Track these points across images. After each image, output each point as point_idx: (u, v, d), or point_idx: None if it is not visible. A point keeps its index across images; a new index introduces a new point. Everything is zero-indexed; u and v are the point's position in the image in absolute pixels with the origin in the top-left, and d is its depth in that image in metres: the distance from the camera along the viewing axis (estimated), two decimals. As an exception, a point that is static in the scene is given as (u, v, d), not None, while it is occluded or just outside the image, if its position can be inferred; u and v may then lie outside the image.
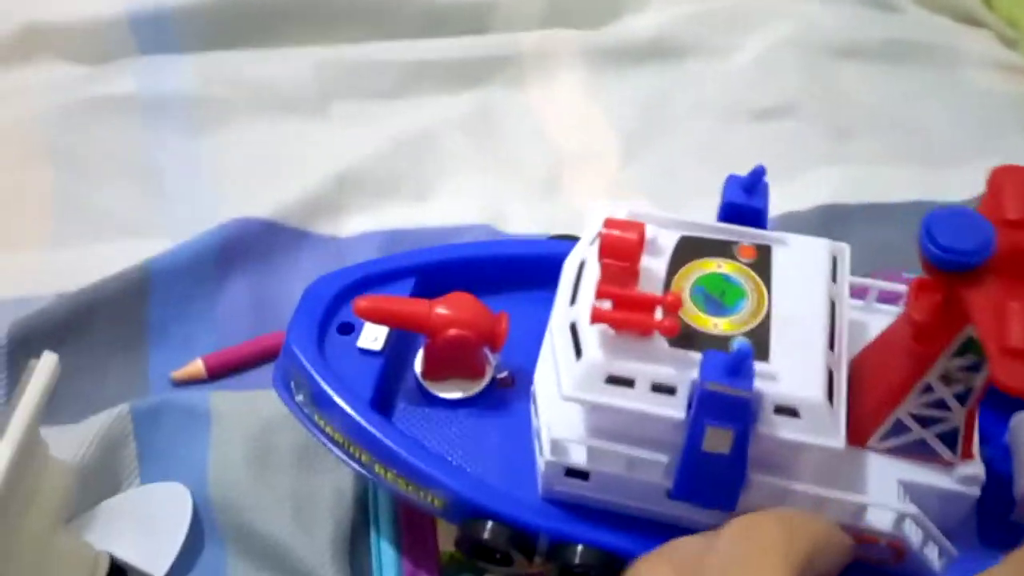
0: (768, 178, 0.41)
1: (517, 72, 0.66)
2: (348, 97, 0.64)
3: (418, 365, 0.44)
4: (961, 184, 0.59)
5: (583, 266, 0.39)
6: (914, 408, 0.37)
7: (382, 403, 0.42)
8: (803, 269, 0.38)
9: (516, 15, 0.68)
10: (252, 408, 0.47)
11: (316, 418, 0.42)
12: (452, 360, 0.43)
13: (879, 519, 0.37)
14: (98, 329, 0.51)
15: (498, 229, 0.57)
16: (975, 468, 0.37)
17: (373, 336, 0.43)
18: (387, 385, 0.43)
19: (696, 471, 0.36)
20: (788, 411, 0.35)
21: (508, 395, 0.43)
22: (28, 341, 0.49)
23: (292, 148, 0.61)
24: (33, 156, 0.59)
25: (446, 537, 0.43)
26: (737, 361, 0.33)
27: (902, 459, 0.38)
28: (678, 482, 0.37)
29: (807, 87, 0.66)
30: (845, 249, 0.39)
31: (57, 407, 0.47)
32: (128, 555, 0.43)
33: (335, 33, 0.66)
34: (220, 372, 0.51)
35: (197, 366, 0.50)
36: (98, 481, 0.45)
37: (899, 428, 0.37)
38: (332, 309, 0.44)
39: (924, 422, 0.37)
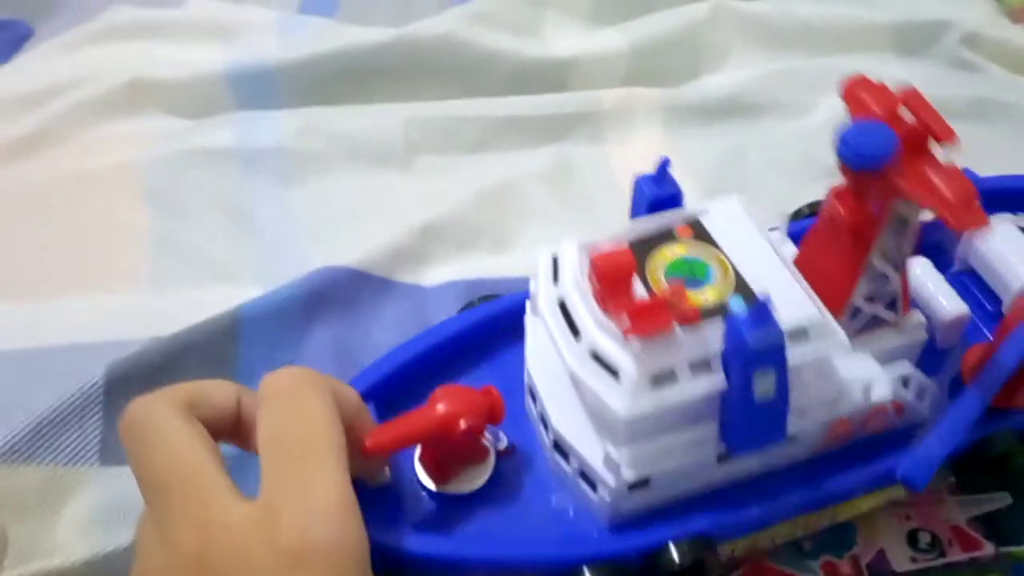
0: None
1: (596, 128, 0.67)
2: (433, 151, 0.66)
3: (423, 476, 0.44)
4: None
5: (564, 305, 0.41)
6: (864, 290, 0.43)
7: (425, 529, 0.43)
8: (733, 225, 0.43)
9: (597, 74, 0.70)
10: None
11: None
12: (458, 453, 0.43)
13: (881, 391, 0.43)
14: (191, 370, 0.53)
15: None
16: (918, 317, 0.45)
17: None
18: (407, 512, 0.44)
19: (749, 422, 0.39)
20: (799, 335, 0.39)
21: (512, 462, 0.45)
22: (125, 382, 0.51)
23: (379, 200, 0.63)
24: (133, 200, 0.62)
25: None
26: (761, 311, 0.36)
27: (861, 337, 0.44)
28: (734, 439, 0.40)
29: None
30: (742, 200, 0.45)
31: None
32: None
33: (424, 91, 0.68)
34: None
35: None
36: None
37: (854, 313, 0.44)
38: None
39: (872, 300, 0.43)
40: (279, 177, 0.63)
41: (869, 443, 0.44)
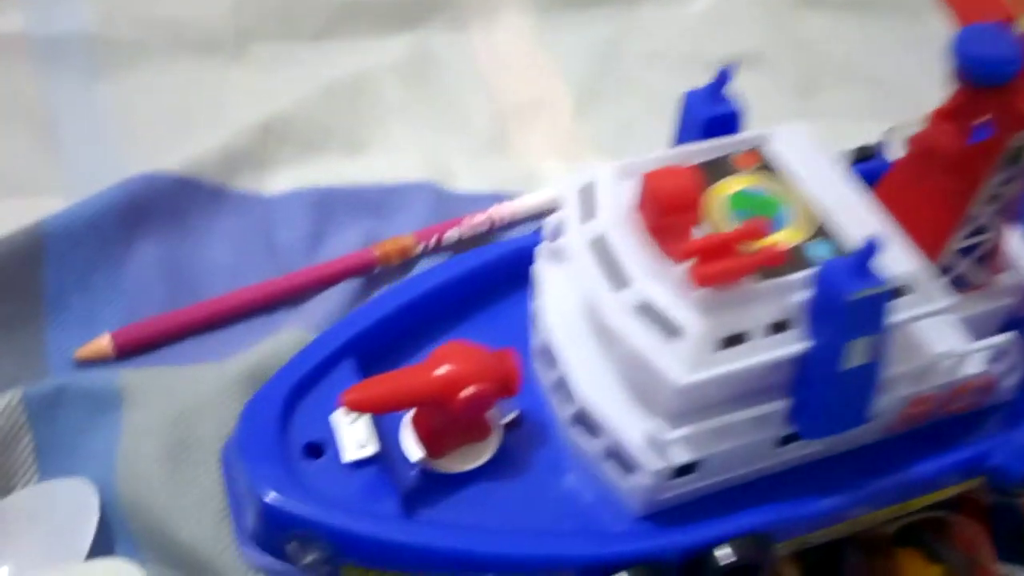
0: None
1: (458, 13, 0.62)
2: (271, 38, 0.59)
3: (414, 448, 0.37)
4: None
5: (602, 242, 0.34)
6: (960, 243, 0.37)
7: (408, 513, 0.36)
8: (803, 156, 0.37)
9: (458, -49, 0.64)
10: (169, 389, 0.43)
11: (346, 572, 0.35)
12: (457, 425, 0.37)
13: (974, 364, 0.37)
14: None
15: (443, 187, 0.53)
16: (1013, 276, 0.39)
17: (358, 441, 0.36)
18: (397, 489, 0.37)
19: (829, 399, 0.33)
20: (898, 293, 0.33)
21: (517, 436, 0.38)
22: None
23: (208, 95, 0.57)
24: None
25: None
26: (864, 259, 0.30)
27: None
28: (809, 420, 0.34)
29: (768, 38, 0.63)
30: (810, 129, 0.38)
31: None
32: (25, 563, 0.38)
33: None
34: (131, 349, 0.45)
35: (103, 342, 0.45)
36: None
37: (944, 270, 0.37)
38: (285, 437, 0.36)
39: (965, 252, 0.37)
40: (84, 70, 0.57)
41: (944, 425, 0.39)
